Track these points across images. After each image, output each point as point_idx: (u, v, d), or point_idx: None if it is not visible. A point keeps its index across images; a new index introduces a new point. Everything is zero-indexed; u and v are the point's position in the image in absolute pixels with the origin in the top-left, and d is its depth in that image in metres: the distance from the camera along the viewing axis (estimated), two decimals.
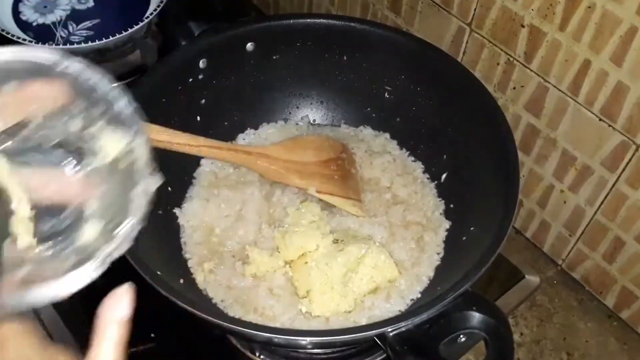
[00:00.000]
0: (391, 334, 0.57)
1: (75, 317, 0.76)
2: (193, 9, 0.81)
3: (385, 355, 0.74)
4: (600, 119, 0.71)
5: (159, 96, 0.75)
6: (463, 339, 0.61)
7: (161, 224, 0.75)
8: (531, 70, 0.75)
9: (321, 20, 0.81)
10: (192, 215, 0.77)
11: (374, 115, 0.87)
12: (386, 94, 0.84)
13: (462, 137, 0.77)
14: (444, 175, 0.80)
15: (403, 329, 0.57)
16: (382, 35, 0.80)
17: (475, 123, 0.75)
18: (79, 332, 0.75)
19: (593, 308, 0.83)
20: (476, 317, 0.58)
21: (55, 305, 0.76)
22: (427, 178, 0.82)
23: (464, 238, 0.72)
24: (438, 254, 0.75)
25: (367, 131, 0.87)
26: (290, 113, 0.89)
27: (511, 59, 0.77)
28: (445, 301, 0.57)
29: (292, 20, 0.82)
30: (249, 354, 0.74)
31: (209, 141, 0.72)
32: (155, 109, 0.74)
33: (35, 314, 0.78)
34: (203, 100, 0.81)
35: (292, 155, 0.79)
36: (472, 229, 0.71)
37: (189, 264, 0.74)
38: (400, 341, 0.56)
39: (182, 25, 0.79)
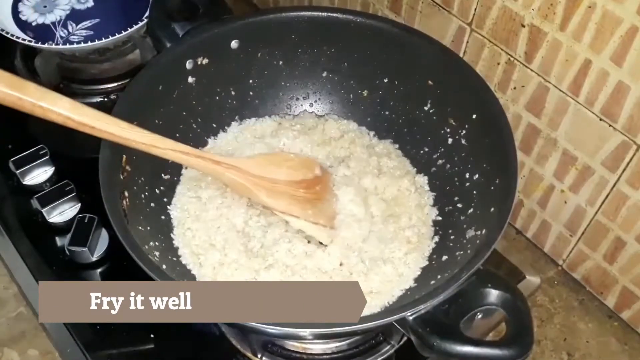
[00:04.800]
0: (411, 318, 0.57)
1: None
2: (174, 11, 0.80)
3: (387, 355, 0.74)
4: (600, 119, 0.71)
5: (148, 98, 0.75)
6: (479, 316, 0.61)
7: (155, 220, 0.74)
8: (532, 70, 0.75)
9: (307, 12, 0.81)
10: (183, 210, 0.77)
11: (370, 115, 0.86)
12: (381, 93, 0.84)
13: (462, 138, 0.77)
14: (441, 176, 0.80)
15: (422, 312, 0.57)
16: (376, 27, 0.79)
17: (475, 123, 0.75)
18: (80, 333, 0.75)
19: (594, 308, 0.83)
20: (493, 293, 0.59)
21: None
22: (424, 178, 0.81)
23: (464, 239, 0.72)
24: (435, 255, 0.74)
25: (363, 131, 0.86)
26: (280, 109, 0.87)
27: (511, 58, 0.76)
28: (460, 280, 0.58)
29: (276, 15, 0.81)
30: (249, 354, 0.74)
31: (177, 145, 0.69)
32: (144, 111, 0.73)
33: (36, 317, 0.78)
34: (193, 101, 0.81)
35: (262, 172, 0.75)
36: (470, 229, 0.71)
37: (183, 261, 0.73)
38: (421, 324, 0.57)
39: (166, 28, 0.78)
